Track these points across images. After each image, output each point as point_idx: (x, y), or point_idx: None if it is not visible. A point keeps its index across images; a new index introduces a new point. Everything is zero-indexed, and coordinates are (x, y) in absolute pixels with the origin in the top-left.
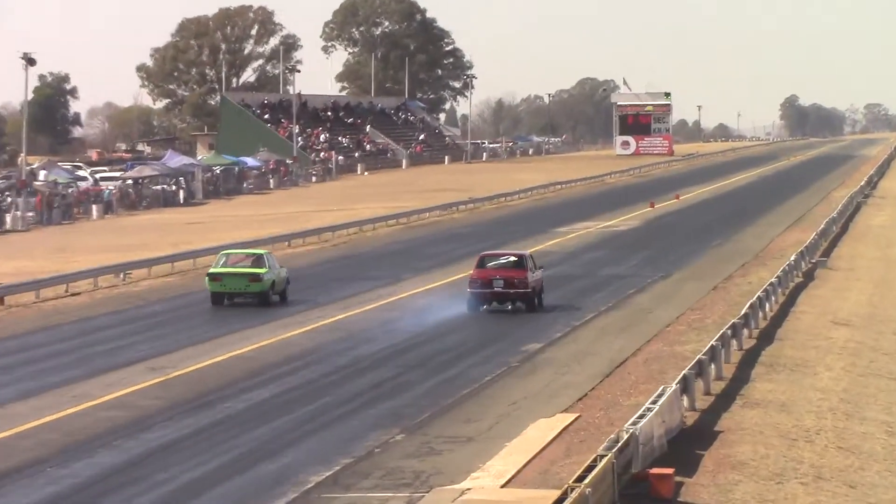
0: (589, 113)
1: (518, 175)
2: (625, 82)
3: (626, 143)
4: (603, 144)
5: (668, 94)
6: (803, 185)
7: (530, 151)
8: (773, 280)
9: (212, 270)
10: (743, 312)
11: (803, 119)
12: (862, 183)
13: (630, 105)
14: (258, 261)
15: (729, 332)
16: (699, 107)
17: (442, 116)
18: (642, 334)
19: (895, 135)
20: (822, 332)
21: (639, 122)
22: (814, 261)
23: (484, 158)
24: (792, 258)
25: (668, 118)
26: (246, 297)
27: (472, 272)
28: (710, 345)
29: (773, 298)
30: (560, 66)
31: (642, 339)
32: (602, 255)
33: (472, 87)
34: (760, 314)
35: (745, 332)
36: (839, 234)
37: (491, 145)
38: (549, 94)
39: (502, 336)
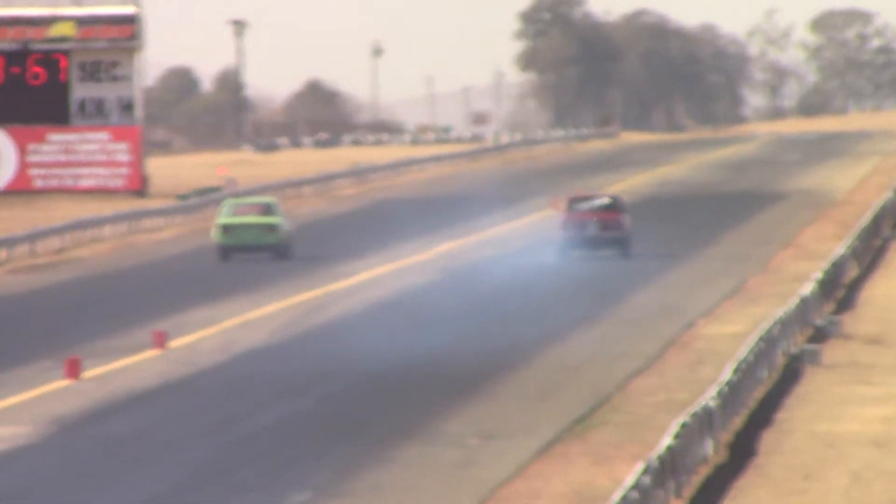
0: None
1: None
2: None
3: None
4: None
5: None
6: (606, 301)
7: None
8: None
9: (224, 221)
10: None
11: (566, 74)
12: (806, 292)
13: None
14: (269, 209)
15: None
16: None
17: None
18: None
19: None
20: None
21: (24, 82)
22: None
23: None
24: None
25: (128, 67)
26: (260, 252)
27: (562, 214)
28: None
29: None
30: None
31: None
32: None
33: None
34: None
35: None
36: (733, 470)
37: None
38: None
39: None
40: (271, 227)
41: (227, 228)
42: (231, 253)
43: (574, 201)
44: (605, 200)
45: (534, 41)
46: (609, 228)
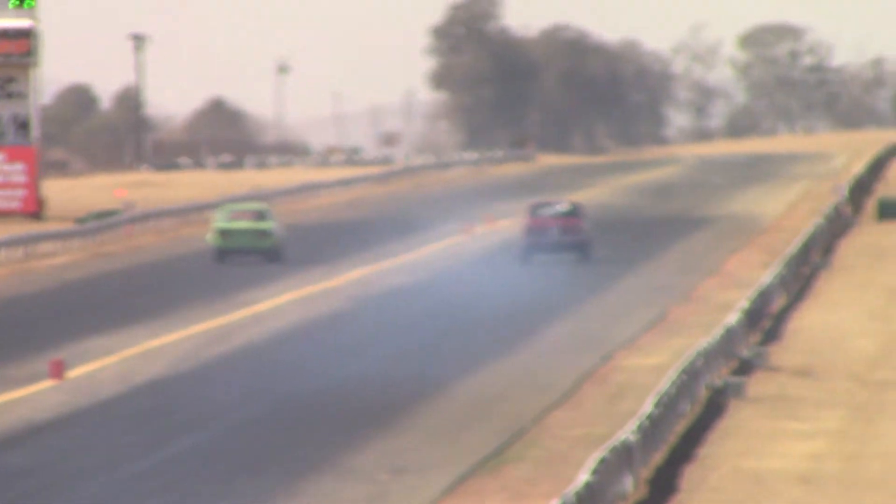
0: None
1: None
2: None
3: None
4: None
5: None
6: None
7: None
8: None
9: (221, 226)
10: None
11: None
12: (731, 322)
13: None
14: (262, 215)
15: None
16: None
17: None
18: None
19: (844, 141)
20: None
21: None
22: None
23: None
24: None
25: (24, 84)
26: (253, 255)
27: (525, 220)
28: None
29: None
30: None
31: None
32: None
33: None
34: None
35: None
36: None
37: None
38: None
39: None
40: (265, 233)
41: (224, 233)
42: (227, 256)
43: (536, 207)
44: (566, 206)
45: (447, 58)
46: (569, 233)
